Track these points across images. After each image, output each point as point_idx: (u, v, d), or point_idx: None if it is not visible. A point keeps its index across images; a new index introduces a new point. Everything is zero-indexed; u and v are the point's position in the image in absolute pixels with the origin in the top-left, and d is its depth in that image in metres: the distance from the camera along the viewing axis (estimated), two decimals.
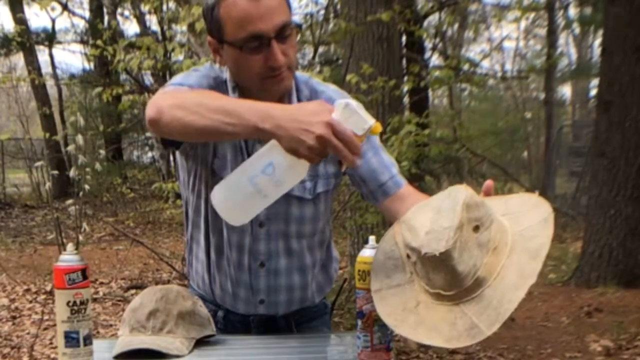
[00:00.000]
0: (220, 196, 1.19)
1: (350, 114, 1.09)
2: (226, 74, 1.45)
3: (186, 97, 1.25)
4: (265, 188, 1.15)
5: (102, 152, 9.40)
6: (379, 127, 1.12)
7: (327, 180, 1.50)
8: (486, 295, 1.10)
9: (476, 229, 1.10)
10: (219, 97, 1.25)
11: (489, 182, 1.26)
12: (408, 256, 1.16)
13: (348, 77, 4.10)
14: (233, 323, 1.57)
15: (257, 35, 1.30)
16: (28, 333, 4.56)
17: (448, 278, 1.10)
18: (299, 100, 1.46)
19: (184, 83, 1.37)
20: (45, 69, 15.28)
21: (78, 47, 18.25)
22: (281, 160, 1.12)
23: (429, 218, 1.13)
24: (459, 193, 1.13)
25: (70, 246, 1.29)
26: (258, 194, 1.15)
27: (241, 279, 1.51)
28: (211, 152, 1.43)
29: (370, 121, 1.10)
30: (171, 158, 12.99)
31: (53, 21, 17.99)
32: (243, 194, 1.16)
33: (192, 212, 1.54)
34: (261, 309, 1.54)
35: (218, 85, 1.42)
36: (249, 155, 1.43)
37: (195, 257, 1.59)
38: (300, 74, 1.49)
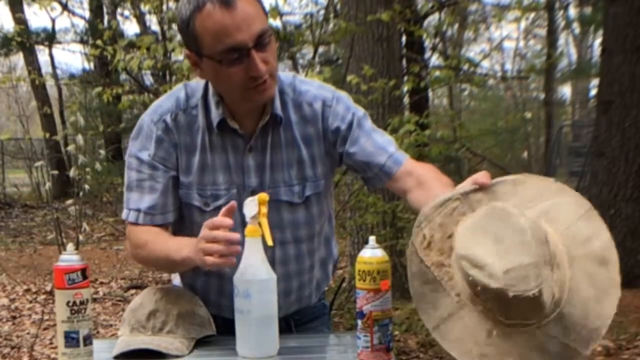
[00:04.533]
0: (245, 348, 1.33)
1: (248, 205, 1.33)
2: (200, 91, 1.45)
3: (141, 252, 1.48)
4: (248, 306, 1.31)
5: (102, 152, 9.37)
6: (263, 197, 1.32)
7: (315, 182, 1.49)
8: (566, 313, 1.05)
9: None
10: (160, 247, 1.43)
11: (483, 176, 1.19)
12: (477, 294, 1.08)
13: (349, 78, 4.10)
14: (233, 327, 1.57)
15: (235, 47, 1.29)
16: (28, 333, 4.56)
17: (533, 312, 1.05)
18: (283, 103, 1.45)
19: (129, 201, 1.47)
20: (45, 69, 15.30)
21: (78, 47, 18.23)
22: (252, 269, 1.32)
23: (494, 252, 1.05)
24: (516, 218, 1.05)
25: (70, 246, 1.29)
26: (253, 318, 1.31)
27: None
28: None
29: (253, 211, 1.32)
30: None
31: (53, 21, 18.04)
32: (249, 330, 1.32)
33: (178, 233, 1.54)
34: None
35: (176, 120, 1.44)
36: (226, 166, 1.45)
37: (182, 277, 1.60)
38: (284, 74, 1.48)
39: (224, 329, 1.43)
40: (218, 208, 1.42)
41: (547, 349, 1.06)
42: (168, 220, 1.47)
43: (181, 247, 1.37)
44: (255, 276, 1.31)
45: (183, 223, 1.50)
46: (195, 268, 1.53)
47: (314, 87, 1.49)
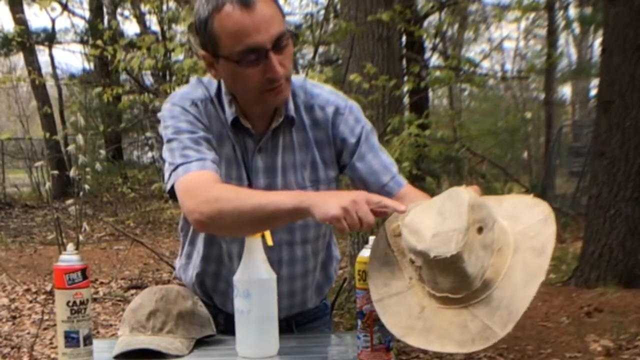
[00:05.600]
0: (246, 348, 1.33)
1: None
2: (214, 88, 1.44)
3: (222, 203, 1.26)
4: (250, 308, 1.31)
5: (102, 152, 9.40)
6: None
7: (328, 185, 1.49)
8: (495, 296, 1.08)
9: (480, 230, 1.09)
10: (248, 195, 1.28)
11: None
12: (412, 261, 1.14)
13: (352, 77, 4.10)
14: (234, 325, 1.57)
15: (254, 48, 1.28)
16: (28, 333, 4.56)
17: (457, 281, 1.08)
18: (295, 105, 1.45)
19: (203, 156, 1.34)
20: (45, 69, 15.31)
21: (78, 47, 18.26)
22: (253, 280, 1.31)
23: (432, 221, 1.11)
24: (462, 194, 1.11)
25: (70, 246, 1.29)
26: (253, 318, 1.31)
27: None
28: None
29: None
30: None
31: (53, 21, 17.98)
32: (249, 330, 1.32)
33: (191, 226, 1.51)
34: None
35: (206, 106, 1.41)
36: (245, 164, 1.43)
37: (192, 266, 1.59)
38: (295, 77, 1.48)
39: (230, 326, 1.43)
40: None
41: (468, 327, 1.08)
42: None
43: (291, 194, 1.26)
44: (255, 276, 1.31)
45: None
46: (207, 256, 1.54)
47: (325, 91, 1.49)
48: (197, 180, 1.31)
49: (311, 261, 1.54)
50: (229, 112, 1.42)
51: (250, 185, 1.45)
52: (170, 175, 1.36)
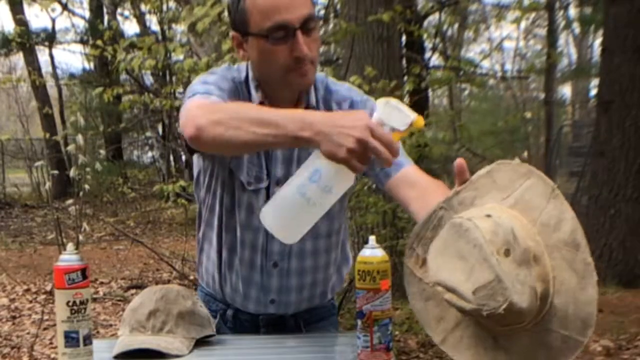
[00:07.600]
0: (271, 215, 1.20)
1: (391, 111, 1.11)
2: (244, 74, 1.45)
3: (223, 111, 1.23)
4: (314, 196, 1.14)
5: (102, 152, 9.39)
6: (421, 121, 1.12)
7: None
8: (557, 304, 1.06)
9: (507, 252, 1.04)
10: (254, 109, 1.25)
11: (460, 163, 1.18)
12: (462, 310, 1.08)
13: (352, 79, 4.10)
14: (242, 322, 1.57)
15: (282, 25, 1.31)
16: (28, 333, 4.57)
17: (517, 317, 1.05)
18: (316, 98, 1.47)
19: (210, 92, 1.33)
20: (46, 69, 15.33)
21: (78, 47, 18.26)
22: (327, 166, 1.12)
23: (459, 271, 1.06)
24: (472, 231, 1.06)
25: (70, 246, 1.29)
26: (307, 204, 1.15)
27: (253, 279, 1.51)
28: None
29: (411, 115, 1.11)
30: (171, 158, 12.98)
31: (53, 21, 18.08)
32: (293, 207, 1.17)
33: (206, 210, 1.54)
34: (271, 308, 1.54)
35: (236, 87, 1.43)
36: (265, 153, 1.43)
37: (206, 255, 1.59)
38: (318, 73, 1.49)
39: (247, 327, 1.41)
40: (256, 191, 1.43)
41: (551, 344, 1.07)
42: None
43: (306, 116, 1.13)
44: (348, 182, 1.17)
45: (221, 206, 1.48)
46: (220, 245, 1.52)
47: (344, 88, 1.52)
48: (201, 101, 1.29)
49: (322, 257, 1.54)
50: (255, 97, 1.43)
51: (269, 175, 1.45)
52: (181, 117, 1.31)
